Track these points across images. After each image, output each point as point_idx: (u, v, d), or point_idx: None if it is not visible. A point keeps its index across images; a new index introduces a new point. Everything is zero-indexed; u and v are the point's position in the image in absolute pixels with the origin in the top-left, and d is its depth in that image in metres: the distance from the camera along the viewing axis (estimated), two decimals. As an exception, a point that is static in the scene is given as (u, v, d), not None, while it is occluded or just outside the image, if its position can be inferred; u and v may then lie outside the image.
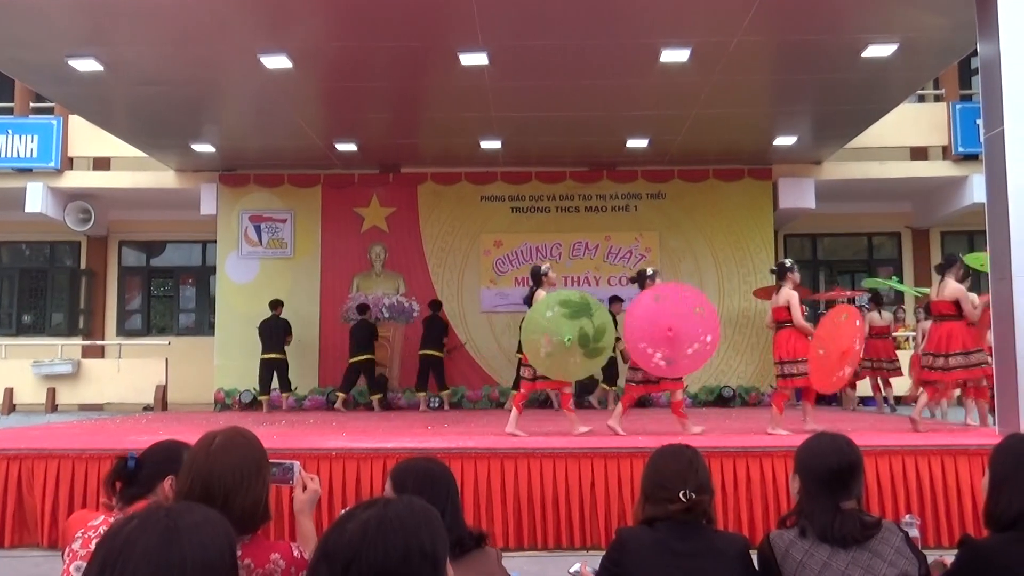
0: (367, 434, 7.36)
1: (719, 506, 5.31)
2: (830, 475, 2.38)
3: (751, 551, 2.40)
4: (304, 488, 2.50)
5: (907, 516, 3.13)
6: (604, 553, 2.43)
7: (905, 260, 14.87)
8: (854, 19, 8.18)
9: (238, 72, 9.53)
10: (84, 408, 13.35)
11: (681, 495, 2.35)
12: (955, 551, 2.32)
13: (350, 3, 7.85)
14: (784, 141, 12.08)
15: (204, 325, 14.95)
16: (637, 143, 12.14)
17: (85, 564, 2.16)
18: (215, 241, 13.55)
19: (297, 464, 2.51)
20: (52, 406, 13.08)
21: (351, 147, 12.25)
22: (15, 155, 13.32)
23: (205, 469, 2.17)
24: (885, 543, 2.30)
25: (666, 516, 2.36)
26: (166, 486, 2.45)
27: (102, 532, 2.24)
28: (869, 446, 5.23)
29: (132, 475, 2.47)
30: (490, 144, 12.08)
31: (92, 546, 2.19)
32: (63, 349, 13.88)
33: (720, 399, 12.66)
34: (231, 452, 2.21)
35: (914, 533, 2.46)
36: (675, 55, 8.87)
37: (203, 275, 15.20)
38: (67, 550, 2.28)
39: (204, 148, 12.23)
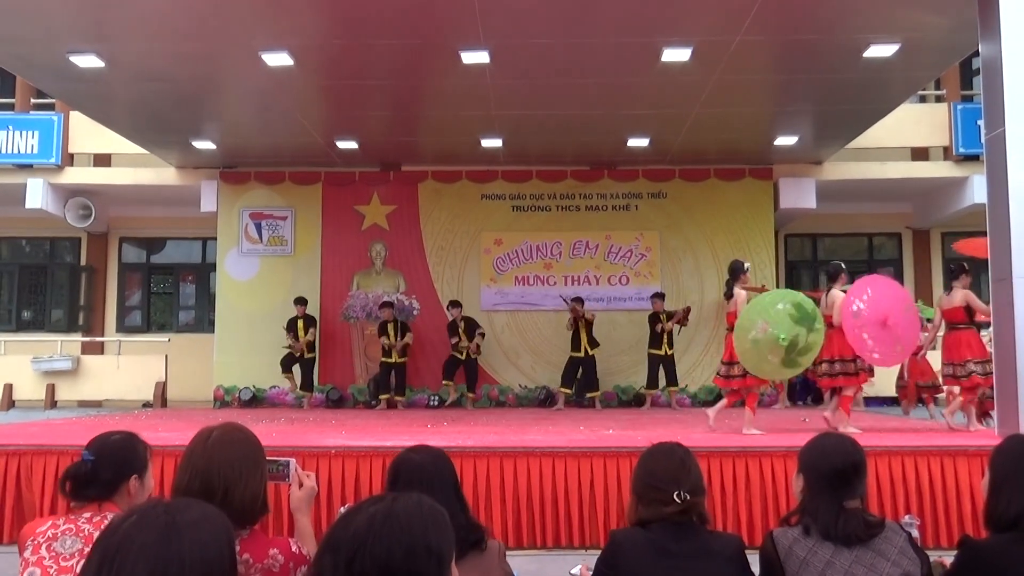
0: (366, 432, 7.35)
1: (718, 506, 5.31)
2: (835, 474, 2.38)
3: (746, 552, 2.40)
4: (300, 485, 2.49)
5: (907, 516, 3.12)
6: (598, 556, 2.42)
7: (905, 261, 14.85)
8: (855, 19, 8.16)
9: (239, 69, 9.52)
10: (83, 404, 13.34)
11: (675, 496, 2.34)
12: (955, 552, 2.33)
13: (352, 1, 7.84)
14: (785, 141, 12.06)
15: (204, 322, 14.93)
16: (638, 142, 12.12)
17: (38, 570, 2.18)
18: (215, 238, 13.55)
19: (293, 461, 2.50)
20: (51, 402, 13.07)
21: (352, 145, 12.24)
22: (16, 151, 13.31)
23: (203, 463, 2.17)
24: (889, 543, 2.30)
25: (660, 518, 2.35)
26: (132, 489, 2.42)
27: (50, 536, 2.25)
28: (869, 446, 5.22)
29: (90, 476, 2.37)
30: (491, 142, 12.07)
31: (42, 551, 2.21)
32: (63, 345, 13.86)
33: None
34: (228, 446, 2.22)
35: (914, 534, 2.46)
36: (676, 54, 8.86)
37: (203, 272, 15.19)
38: (21, 559, 2.28)
39: (205, 145, 12.22)
